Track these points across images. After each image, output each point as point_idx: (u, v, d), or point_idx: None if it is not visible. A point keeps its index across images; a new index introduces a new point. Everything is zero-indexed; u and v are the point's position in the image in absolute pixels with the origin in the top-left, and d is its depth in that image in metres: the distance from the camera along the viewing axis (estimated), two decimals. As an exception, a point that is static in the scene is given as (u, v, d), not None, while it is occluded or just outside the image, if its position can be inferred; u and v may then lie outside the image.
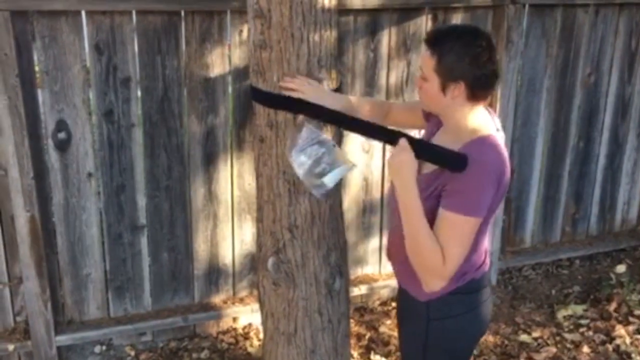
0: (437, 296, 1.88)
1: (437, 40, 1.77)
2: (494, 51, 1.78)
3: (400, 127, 2.34)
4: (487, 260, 1.98)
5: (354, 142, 3.08)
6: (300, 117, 2.10)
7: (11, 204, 2.59)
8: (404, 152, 1.79)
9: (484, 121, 1.83)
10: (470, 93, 1.76)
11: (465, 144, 1.78)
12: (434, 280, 1.82)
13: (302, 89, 2.05)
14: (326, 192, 2.06)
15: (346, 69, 2.94)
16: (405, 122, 2.21)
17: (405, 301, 2.02)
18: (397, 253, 1.97)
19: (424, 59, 1.80)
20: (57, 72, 2.56)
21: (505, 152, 1.80)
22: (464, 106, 1.79)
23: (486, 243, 1.97)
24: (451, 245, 1.75)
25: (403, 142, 1.81)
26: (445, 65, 1.74)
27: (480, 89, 1.77)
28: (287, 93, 2.05)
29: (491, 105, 3.28)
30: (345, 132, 2.92)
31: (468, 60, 1.73)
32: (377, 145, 3.15)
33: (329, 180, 2.04)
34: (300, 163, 2.05)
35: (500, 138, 1.83)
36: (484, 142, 1.78)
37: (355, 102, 2.18)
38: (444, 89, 1.77)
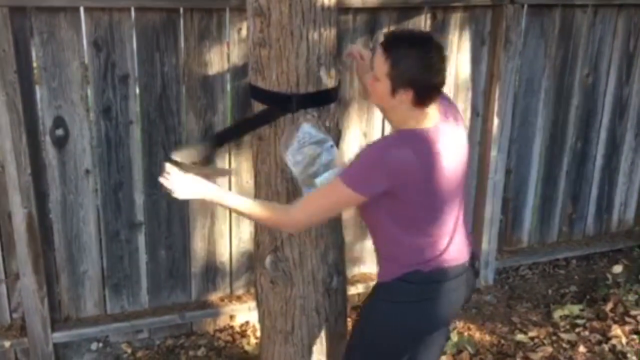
0: (388, 279, 1.98)
1: (391, 46, 1.85)
2: (444, 62, 1.85)
3: None
4: (447, 258, 1.95)
5: (352, 141, 3.07)
6: (299, 116, 2.11)
7: (8, 200, 2.59)
8: (174, 177, 1.94)
9: (419, 117, 1.87)
10: (417, 99, 1.83)
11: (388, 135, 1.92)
12: (284, 227, 2.05)
13: (363, 52, 2.25)
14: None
15: (345, 67, 2.94)
16: None
17: None
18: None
19: (377, 61, 1.86)
20: (55, 68, 2.55)
21: (423, 152, 1.82)
22: (409, 110, 1.86)
23: (443, 241, 1.95)
24: (313, 200, 1.93)
25: (167, 168, 1.95)
26: (397, 71, 1.81)
27: (426, 97, 1.84)
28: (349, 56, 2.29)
29: (489, 105, 3.30)
30: (345, 131, 2.92)
31: (419, 70, 1.80)
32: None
33: (320, 181, 2.06)
34: (296, 162, 2.06)
35: (436, 132, 1.86)
36: (397, 136, 1.89)
37: None
38: (393, 92, 1.84)
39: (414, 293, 1.95)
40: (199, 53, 2.72)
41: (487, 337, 3.17)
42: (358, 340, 2.09)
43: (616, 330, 3.19)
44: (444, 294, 1.97)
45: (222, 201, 1.99)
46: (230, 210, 2.14)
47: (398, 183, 1.82)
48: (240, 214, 2.03)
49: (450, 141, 1.91)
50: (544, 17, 3.36)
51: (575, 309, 3.38)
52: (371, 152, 1.88)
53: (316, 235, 2.26)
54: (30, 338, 2.76)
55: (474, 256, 2.11)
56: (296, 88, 2.09)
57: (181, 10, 2.66)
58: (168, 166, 1.95)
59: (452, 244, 1.98)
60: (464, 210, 2.06)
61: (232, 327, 3.17)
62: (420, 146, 1.84)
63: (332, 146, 2.09)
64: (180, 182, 1.94)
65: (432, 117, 1.89)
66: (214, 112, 2.81)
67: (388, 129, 2.49)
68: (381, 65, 1.83)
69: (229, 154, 2.90)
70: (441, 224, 1.95)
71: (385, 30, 3.01)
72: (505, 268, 3.72)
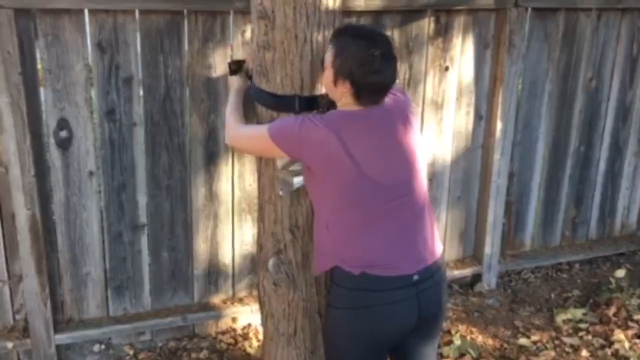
0: (317, 272, 2.10)
1: (338, 35, 1.91)
2: (388, 63, 1.84)
3: None
4: (380, 264, 1.88)
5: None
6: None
7: (12, 201, 2.59)
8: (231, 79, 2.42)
9: (350, 105, 1.91)
10: (355, 94, 1.86)
11: None
12: (226, 135, 2.26)
13: None
14: (290, 190, 2.15)
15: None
16: None
17: None
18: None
19: (327, 49, 1.93)
20: (59, 70, 2.55)
21: (340, 133, 1.85)
22: (352, 104, 1.89)
23: (377, 242, 1.89)
24: (249, 137, 2.11)
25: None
26: (338, 61, 1.86)
27: (363, 94, 1.86)
28: None
29: (492, 109, 3.30)
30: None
31: (356, 65, 1.82)
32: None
33: (298, 181, 2.08)
34: (281, 156, 2.09)
35: (371, 115, 1.89)
36: (325, 116, 1.93)
37: None
38: (335, 82, 1.88)
39: (347, 298, 1.93)
40: (202, 55, 2.73)
41: (490, 341, 3.16)
42: (324, 342, 2.17)
43: (619, 334, 3.19)
44: (377, 303, 1.88)
45: (229, 99, 2.32)
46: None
47: (313, 156, 1.86)
48: (228, 109, 2.28)
49: (389, 131, 1.89)
50: (547, 20, 3.36)
51: (578, 313, 3.38)
52: (297, 121, 1.92)
53: (319, 237, 2.26)
54: (33, 339, 2.76)
55: (438, 269, 1.97)
56: (300, 91, 2.09)
57: (185, 12, 2.66)
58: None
59: (391, 249, 1.89)
60: (426, 221, 1.97)
61: (234, 330, 3.16)
62: (341, 126, 1.86)
63: None
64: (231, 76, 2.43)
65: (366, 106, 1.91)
66: (217, 114, 2.81)
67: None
68: (328, 53, 1.89)
69: (232, 156, 2.90)
70: (375, 221, 1.89)
71: (388, 33, 3.01)
72: (507, 272, 3.72)
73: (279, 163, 2.14)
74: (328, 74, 1.90)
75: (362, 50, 1.81)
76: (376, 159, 1.86)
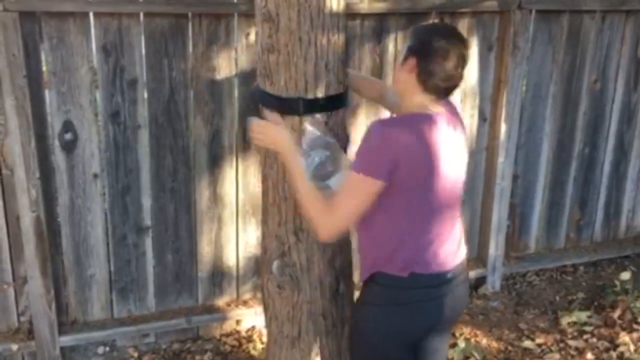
0: (364, 280, 1.98)
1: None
2: (460, 60, 1.83)
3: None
4: (425, 266, 1.89)
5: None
6: (304, 120, 2.11)
7: (17, 203, 2.60)
8: (272, 127, 2.04)
9: (425, 105, 1.88)
10: (419, 76, 1.84)
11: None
12: (321, 229, 1.90)
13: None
14: (331, 193, 2.08)
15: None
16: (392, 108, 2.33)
17: None
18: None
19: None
20: (64, 73, 2.56)
21: (422, 135, 1.80)
22: (416, 93, 1.87)
23: (432, 243, 1.89)
24: (341, 196, 1.85)
25: (275, 117, 2.06)
26: (411, 37, 1.92)
27: (429, 79, 1.84)
28: None
29: (497, 111, 3.29)
30: (353, 135, 2.92)
31: (427, 46, 1.83)
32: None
33: (334, 183, 2.06)
34: (306, 166, 2.06)
35: (440, 119, 1.86)
36: (399, 118, 1.91)
37: (353, 77, 2.31)
38: (405, 59, 1.89)
39: (386, 296, 1.92)
40: (207, 58, 2.73)
41: (494, 344, 3.16)
42: (353, 342, 2.14)
43: (624, 337, 3.18)
44: (416, 301, 1.90)
45: (290, 165, 1.97)
46: (286, 176, 2.11)
47: (400, 163, 1.79)
48: (294, 186, 1.98)
49: (452, 136, 1.89)
50: (551, 22, 3.36)
51: (583, 315, 3.37)
52: (373, 135, 1.82)
53: (323, 240, 2.25)
54: (38, 341, 2.77)
55: (465, 268, 2.02)
56: (304, 93, 2.09)
57: (189, 15, 2.67)
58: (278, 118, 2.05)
59: (432, 247, 1.90)
60: (459, 220, 2.00)
61: (238, 332, 3.17)
62: (421, 127, 1.83)
63: (336, 144, 2.09)
64: (265, 129, 2.05)
65: (437, 109, 1.89)
66: (221, 117, 2.82)
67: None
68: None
69: (236, 159, 2.91)
70: (424, 222, 1.88)
71: (392, 35, 3.01)
72: (512, 274, 3.71)
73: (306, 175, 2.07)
74: (404, 59, 1.90)
75: (439, 38, 1.83)
76: (442, 162, 1.84)
